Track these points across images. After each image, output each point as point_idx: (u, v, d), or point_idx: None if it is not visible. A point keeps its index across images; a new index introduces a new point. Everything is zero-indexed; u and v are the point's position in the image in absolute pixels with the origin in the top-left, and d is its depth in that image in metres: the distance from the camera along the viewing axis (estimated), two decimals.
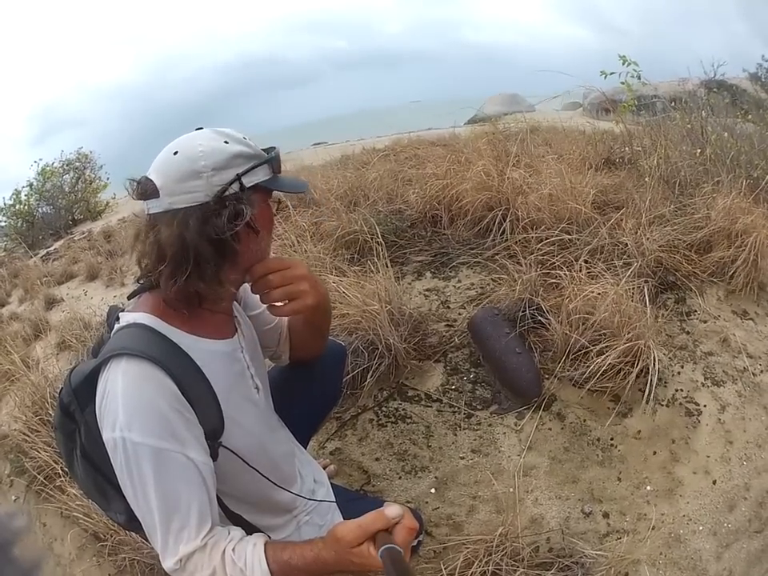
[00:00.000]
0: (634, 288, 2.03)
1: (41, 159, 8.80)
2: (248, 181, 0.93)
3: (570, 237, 2.43)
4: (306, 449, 1.39)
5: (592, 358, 1.82)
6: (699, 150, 3.11)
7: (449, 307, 2.33)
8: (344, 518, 1.20)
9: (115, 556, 1.72)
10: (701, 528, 1.60)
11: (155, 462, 0.85)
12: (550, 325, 1.98)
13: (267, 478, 1.04)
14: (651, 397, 1.86)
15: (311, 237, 2.75)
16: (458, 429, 1.86)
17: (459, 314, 2.27)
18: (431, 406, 1.94)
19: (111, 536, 1.73)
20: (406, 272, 2.58)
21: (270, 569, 0.87)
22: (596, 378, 1.81)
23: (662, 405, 1.86)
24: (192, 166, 0.89)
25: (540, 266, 2.26)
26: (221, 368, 1.00)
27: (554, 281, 2.16)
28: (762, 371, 2.03)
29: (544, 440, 1.80)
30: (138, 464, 0.85)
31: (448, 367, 2.06)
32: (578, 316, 1.92)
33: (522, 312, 2.04)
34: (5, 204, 8.30)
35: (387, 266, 2.19)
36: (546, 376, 1.92)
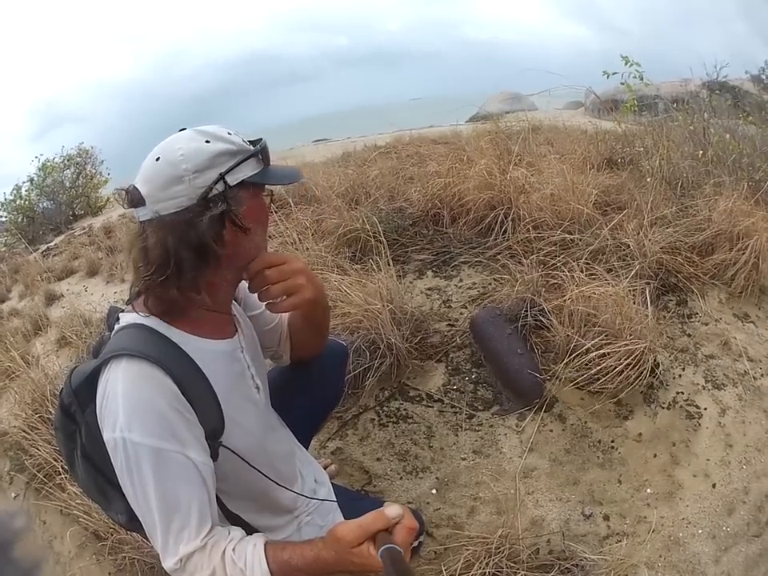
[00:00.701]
0: (635, 290, 2.02)
1: (41, 155, 8.79)
2: (233, 178, 0.91)
3: (571, 237, 2.42)
4: (307, 449, 1.39)
5: (593, 359, 1.82)
6: (701, 152, 3.11)
7: (450, 307, 2.33)
8: (345, 519, 1.20)
9: (115, 555, 1.71)
10: (700, 531, 1.60)
11: (155, 462, 0.85)
12: (551, 326, 1.98)
13: (268, 477, 1.04)
14: (652, 399, 1.86)
15: (312, 234, 2.74)
16: (460, 429, 1.86)
17: (461, 313, 2.27)
18: (432, 407, 1.94)
19: (111, 535, 1.73)
20: (407, 271, 2.57)
21: (270, 569, 0.87)
22: (597, 379, 1.82)
23: (663, 407, 1.86)
24: (174, 172, 0.88)
25: (542, 266, 2.26)
26: (221, 368, 0.99)
27: (555, 281, 2.16)
28: (762, 375, 2.03)
29: (545, 442, 1.80)
30: (138, 464, 0.85)
31: (449, 367, 2.05)
32: (579, 317, 1.92)
33: (524, 312, 2.03)
34: (5, 199, 8.29)
35: (389, 265, 2.19)
36: (548, 377, 1.91)
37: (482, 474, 1.74)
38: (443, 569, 1.42)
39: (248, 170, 0.93)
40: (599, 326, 1.88)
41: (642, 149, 3.50)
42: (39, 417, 2.24)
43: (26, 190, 8.45)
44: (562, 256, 2.30)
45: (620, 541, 1.57)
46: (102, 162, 9.27)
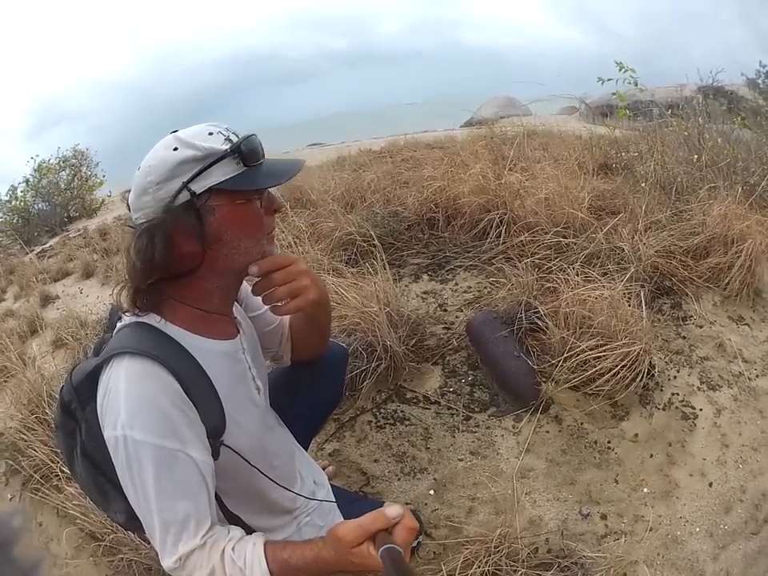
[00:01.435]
0: (630, 293, 2.04)
1: (37, 155, 8.78)
2: (200, 186, 0.87)
3: (566, 241, 2.44)
4: (307, 450, 1.39)
5: (589, 361, 1.84)
6: (696, 156, 3.13)
7: (446, 310, 2.34)
8: (344, 519, 1.21)
9: (112, 556, 1.70)
10: (698, 529, 1.61)
11: (156, 461, 0.85)
12: (547, 328, 1.99)
13: (268, 477, 1.04)
14: (648, 400, 1.88)
15: (308, 238, 2.75)
16: (457, 431, 1.87)
17: (456, 316, 2.28)
18: (429, 408, 1.95)
19: (108, 535, 1.72)
20: (403, 274, 2.58)
21: (270, 568, 0.86)
22: (593, 381, 1.83)
23: (659, 408, 1.87)
24: (142, 183, 0.88)
25: (537, 269, 2.27)
26: (223, 368, 0.99)
27: (550, 284, 2.16)
28: (757, 376, 2.04)
29: (542, 443, 1.81)
30: (139, 462, 0.85)
31: (446, 369, 2.06)
32: (575, 320, 1.93)
33: (520, 315, 2.05)
34: (1, 200, 8.28)
35: (385, 268, 2.20)
36: (544, 379, 1.92)
37: (480, 474, 1.75)
38: (443, 568, 1.42)
39: (219, 175, 0.88)
40: (594, 329, 1.89)
41: (637, 154, 3.53)
42: (35, 418, 2.23)
43: (21, 191, 8.44)
44: (557, 260, 2.32)
45: (618, 539, 1.57)
46: (98, 163, 9.28)
